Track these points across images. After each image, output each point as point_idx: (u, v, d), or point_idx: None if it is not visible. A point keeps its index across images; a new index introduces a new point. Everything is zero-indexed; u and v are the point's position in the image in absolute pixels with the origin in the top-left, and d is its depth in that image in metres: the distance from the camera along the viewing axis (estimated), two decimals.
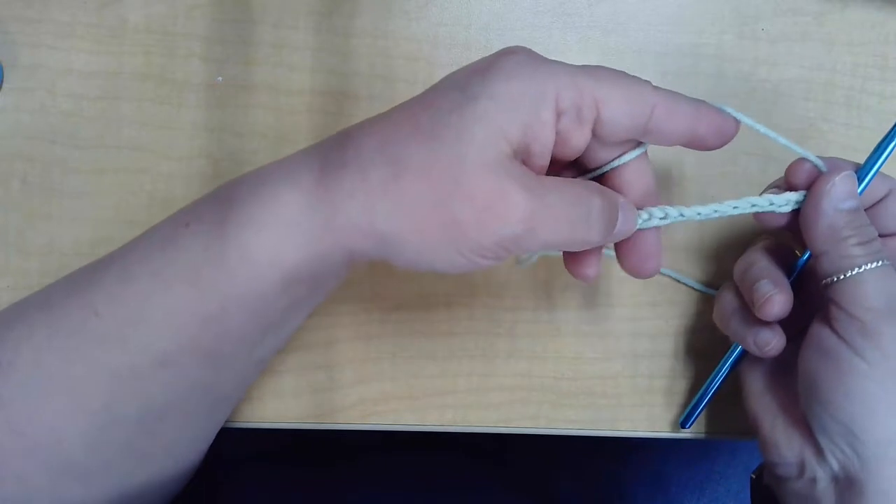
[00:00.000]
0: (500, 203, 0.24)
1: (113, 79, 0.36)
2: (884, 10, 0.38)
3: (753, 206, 0.31)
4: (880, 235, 0.31)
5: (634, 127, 0.27)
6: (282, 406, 0.37)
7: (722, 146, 0.29)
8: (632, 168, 0.29)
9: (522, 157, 0.26)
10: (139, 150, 0.36)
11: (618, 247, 0.30)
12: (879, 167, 0.31)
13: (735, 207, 0.30)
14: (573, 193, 0.26)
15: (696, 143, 0.28)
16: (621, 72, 0.27)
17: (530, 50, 0.27)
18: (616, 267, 0.38)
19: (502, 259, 0.26)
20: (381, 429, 0.37)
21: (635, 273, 0.30)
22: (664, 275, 0.38)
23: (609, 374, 0.38)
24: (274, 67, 0.37)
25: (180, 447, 0.32)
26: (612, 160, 0.29)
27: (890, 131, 0.31)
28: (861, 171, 0.31)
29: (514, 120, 0.25)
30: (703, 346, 0.37)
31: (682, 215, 0.29)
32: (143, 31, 0.36)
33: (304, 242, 0.26)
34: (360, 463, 0.48)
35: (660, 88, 0.27)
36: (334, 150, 0.26)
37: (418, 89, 0.37)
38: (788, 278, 0.32)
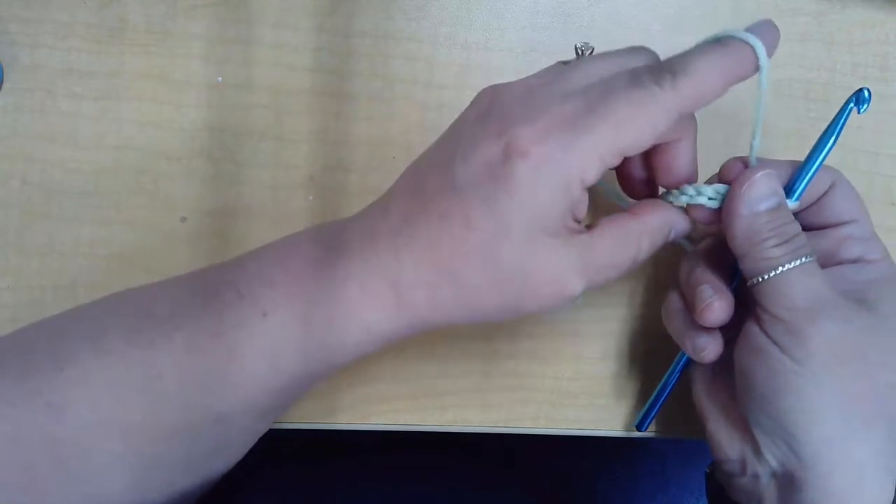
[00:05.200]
0: (562, 290, 0.27)
1: (113, 79, 0.36)
2: (884, 10, 0.38)
3: (682, 194, 0.30)
4: (823, 227, 0.31)
5: (661, 134, 0.27)
6: None
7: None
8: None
9: (567, 223, 0.27)
10: (139, 150, 0.36)
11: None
12: (818, 167, 0.30)
13: (667, 195, 0.30)
14: (622, 245, 0.28)
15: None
16: (634, 96, 0.26)
17: (537, 138, 0.26)
18: None
19: None
20: (381, 429, 0.37)
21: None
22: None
23: (609, 374, 0.38)
24: (274, 67, 0.37)
25: (210, 473, 0.32)
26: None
27: (829, 125, 0.30)
28: (801, 170, 0.30)
29: (555, 220, 0.27)
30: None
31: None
32: (143, 31, 0.36)
33: (382, 341, 0.29)
34: (360, 463, 0.48)
35: (679, 74, 0.26)
36: (395, 269, 0.27)
37: (418, 89, 0.37)
38: (732, 278, 0.31)
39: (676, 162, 0.30)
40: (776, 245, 0.28)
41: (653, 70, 0.27)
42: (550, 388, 0.38)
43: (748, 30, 0.28)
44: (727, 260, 0.31)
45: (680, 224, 0.30)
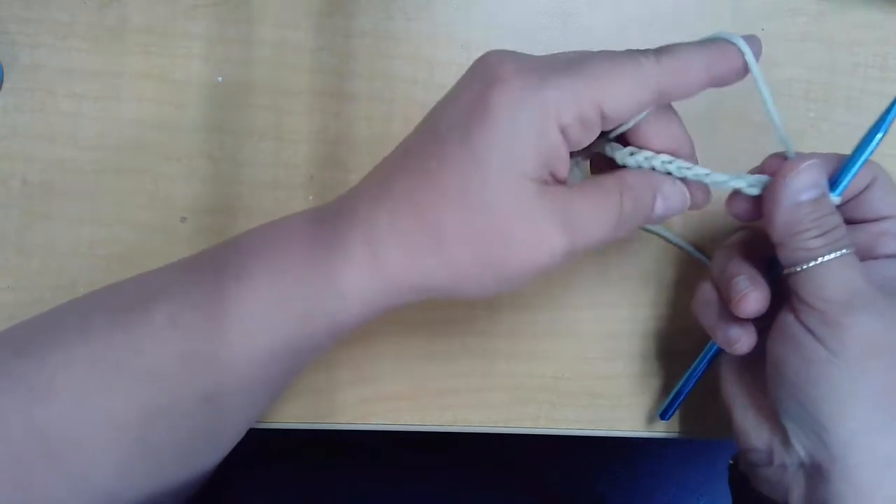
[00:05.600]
0: (540, 242, 0.26)
1: (113, 79, 0.36)
2: (884, 10, 0.38)
3: (726, 175, 0.30)
4: (863, 221, 0.31)
5: (642, 107, 0.27)
6: (282, 406, 0.37)
7: (742, 79, 0.28)
8: (651, 121, 0.29)
9: (546, 174, 0.27)
10: (139, 150, 0.36)
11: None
12: (863, 163, 0.30)
13: (707, 175, 0.29)
14: (601, 202, 0.27)
15: (715, 86, 0.28)
16: (616, 58, 0.27)
17: (518, 68, 0.26)
18: (615, 268, 0.38)
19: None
20: (381, 429, 0.37)
21: (691, 208, 0.31)
22: (674, 243, 0.38)
23: (609, 374, 0.38)
24: (274, 67, 0.37)
25: (200, 462, 0.32)
26: (623, 124, 0.29)
27: (877, 121, 0.30)
28: (845, 165, 0.30)
29: (528, 158, 0.26)
30: (704, 346, 0.37)
31: (645, 159, 0.29)
32: (143, 31, 0.36)
33: (361, 308, 0.28)
34: (360, 463, 0.48)
35: (662, 55, 0.27)
36: (371, 220, 0.27)
37: (418, 89, 0.37)
38: (767, 270, 0.31)
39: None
40: (816, 236, 0.28)
41: (639, 49, 0.27)
42: (550, 388, 0.38)
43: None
44: (761, 252, 0.32)
45: (671, 194, 0.29)
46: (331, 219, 0.28)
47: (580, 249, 0.27)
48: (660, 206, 0.29)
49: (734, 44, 0.28)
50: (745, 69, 0.28)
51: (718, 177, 0.29)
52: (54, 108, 0.36)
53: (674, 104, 0.30)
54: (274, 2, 0.37)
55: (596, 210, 0.27)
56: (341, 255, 0.27)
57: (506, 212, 0.26)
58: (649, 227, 0.37)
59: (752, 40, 0.28)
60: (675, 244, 0.38)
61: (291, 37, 0.37)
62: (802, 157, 0.29)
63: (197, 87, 0.37)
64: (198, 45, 0.37)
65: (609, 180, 0.28)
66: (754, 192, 0.30)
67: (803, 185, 0.29)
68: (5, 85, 0.36)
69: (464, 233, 0.26)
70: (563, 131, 0.26)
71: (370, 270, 0.27)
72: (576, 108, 0.26)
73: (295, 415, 0.37)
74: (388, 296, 0.27)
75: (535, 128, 0.26)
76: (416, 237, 0.26)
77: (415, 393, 0.37)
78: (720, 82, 0.28)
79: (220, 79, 0.37)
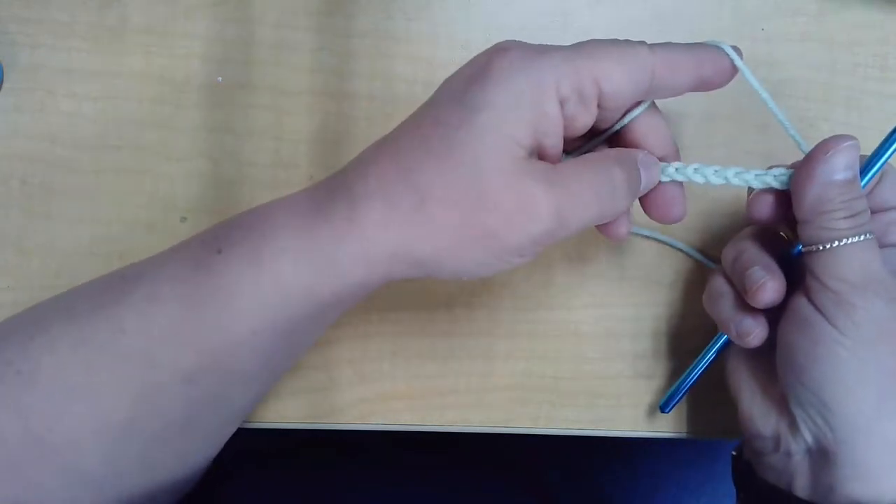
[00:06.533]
0: (526, 205, 0.26)
1: (113, 79, 0.36)
2: (884, 10, 0.38)
3: (757, 176, 0.30)
4: (873, 212, 0.31)
5: (638, 92, 0.28)
6: (281, 406, 0.37)
7: (726, 84, 0.29)
8: (643, 121, 0.30)
9: (536, 151, 0.27)
10: (139, 150, 0.36)
11: (641, 198, 0.31)
12: (889, 156, 0.30)
13: (737, 174, 0.30)
14: (593, 173, 0.27)
15: (702, 88, 0.29)
16: (615, 41, 0.27)
17: (521, 43, 0.27)
18: (615, 267, 0.38)
19: (538, 254, 0.27)
20: (381, 429, 0.37)
21: (663, 219, 0.31)
22: (674, 247, 0.38)
23: (609, 374, 0.38)
24: (274, 67, 0.37)
25: (192, 455, 0.32)
26: (620, 120, 0.29)
27: None
28: (869, 161, 0.30)
29: (520, 122, 0.26)
30: (704, 346, 0.37)
31: (695, 171, 0.30)
32: (143, 31, 0.36)
33: (339, 273, 0.26)
34: (360, 463, 0.48)
35: (656, 47, 0.27)
36: (358, 182, 0.27)
37: (418, 89, 0.37)
38: (778, 264, 0.31)
39: (664, 187, 0.30)
40: (844, 217, 0.28)
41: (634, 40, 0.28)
42: (550, 388, 0.38)
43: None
44: (771, 247, 0.32)
45: (647, 163, 0.29)
46: (323, 186, 0.28)
47: (571, 222, 0.26)
48: (643, 177, 0.29)
49: (720, 48, 0.29)
50: (731, 72, 0.29)
51: (745, 173, 0.30)
52: (54, 108, 0.36)
53: (674, 105, 0.30)
54: (274, 2, 0.37)
55: (586, 177, 0.27)
56: (323, 218, 0.26)
57: (490, 172, 0.25)
58: (651, 233, 0.37)
59: (735, 49, 0.29)
60: (676, 249, 0.38)
61: (291, 37, 0.37)
62: (842, 137, 0.29)
63: (197, 87, 0.37)
64: (198, 45, 0.37)
65: (593, 154, 0.28)
66: (783, 179, 0.30)
67: (840, 165, 0.29)
68: (5, 85, 0.36)
69: (446, 192, 0.25)
70: (562, 104, 0.26)
71: (349, 232, 0.26)
72: (575, 81, 0.26)
73: (294, 415, 0.37)
74: (369, 265, 0.26)
75: (532, 93, 0.26)
76: (397, 196, 0.26)
77: (415, 393, 0.37)
78: (707, 83, 0.29)
79: (220, 79, 0.37)
